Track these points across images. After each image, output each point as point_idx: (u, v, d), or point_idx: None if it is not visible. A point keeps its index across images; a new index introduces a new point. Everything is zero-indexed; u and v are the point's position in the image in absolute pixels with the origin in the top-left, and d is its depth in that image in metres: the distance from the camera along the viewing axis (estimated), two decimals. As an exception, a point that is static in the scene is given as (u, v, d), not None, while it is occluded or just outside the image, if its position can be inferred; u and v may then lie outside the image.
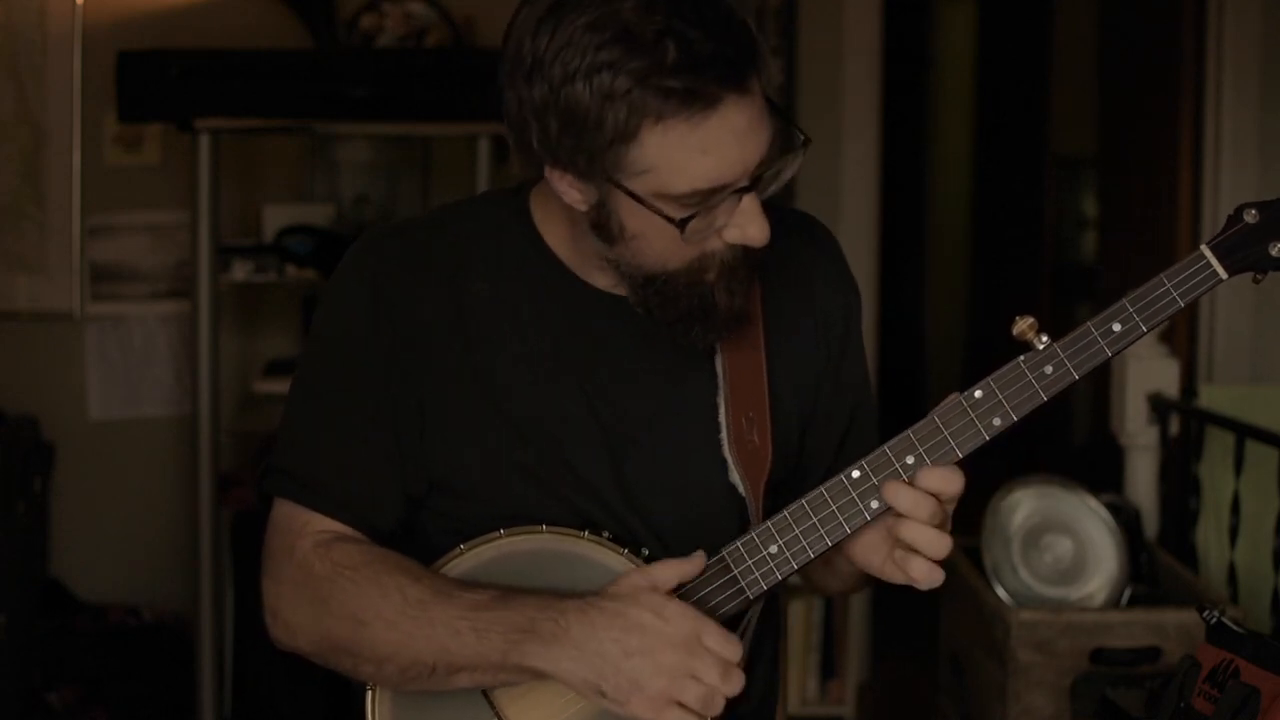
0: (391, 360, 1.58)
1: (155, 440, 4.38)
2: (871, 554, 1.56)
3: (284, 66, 3.85)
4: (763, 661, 1.72)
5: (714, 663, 1.46)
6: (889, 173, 4.77)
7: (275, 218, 4.24)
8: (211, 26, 4.27)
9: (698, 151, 1.44)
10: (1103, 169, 5.77)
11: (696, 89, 1.42)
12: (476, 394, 1.58)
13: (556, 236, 1.61)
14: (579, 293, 1.61)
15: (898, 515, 1.50)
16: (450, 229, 1.64)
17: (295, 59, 3.98)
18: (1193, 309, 4.42)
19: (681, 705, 1.46)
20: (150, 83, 3.71)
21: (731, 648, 1.47)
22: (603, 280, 1.61)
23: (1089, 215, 6.43)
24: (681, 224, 1.47)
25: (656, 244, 1.51)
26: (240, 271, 4.10)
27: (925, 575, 1.50)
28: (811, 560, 1.55)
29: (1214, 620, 1.98)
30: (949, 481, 1.49)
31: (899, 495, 1.49)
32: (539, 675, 1.49)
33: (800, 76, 4.51)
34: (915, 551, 1.50)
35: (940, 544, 1.49)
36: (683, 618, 1.46)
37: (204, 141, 3.78)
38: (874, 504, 1.53)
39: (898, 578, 1.53)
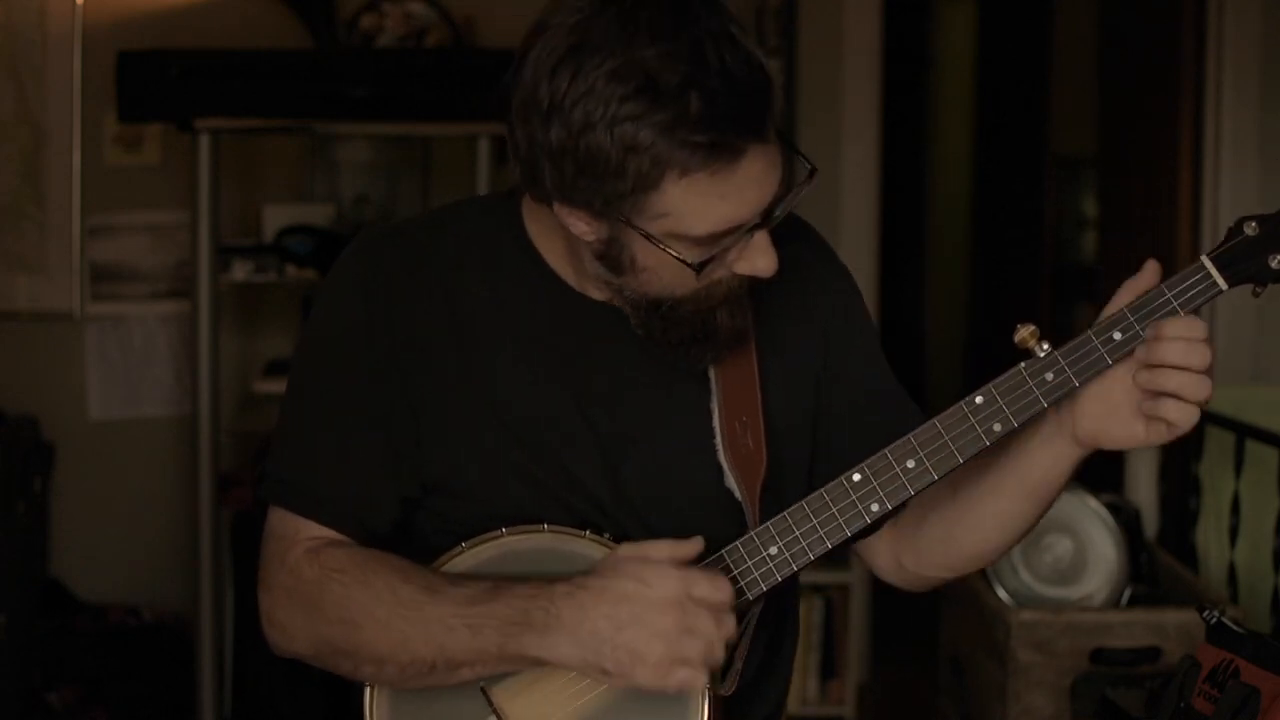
0: (386, 362, 1.58)
1: (155, 440, 4.38)
2: (1110, 424, 1.53)
3: (284, 66, 3.85)
4: (781, 664, 1.72)
5: (706, 613, 1.46)
6: (889, 173, 4.77)
7: (275, 218, 4.24)
8: (211, 26, 4.27)
9: (717, 198, 1.44)
10: (1103, 169, 5.77)
11: (720, 143, 1.41)
12: (472, 396, 1.58)
13: (550, 246, 1.61)
14: (570, 301, 1.61)
15: (1153, 368, 1.48)
16: (445, 231, 1.64)
17: (295, 59, 3.98)
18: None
19: (686, 663, 1.45)
20: (150, 83, 3.71)
21: (720, 590, 1.47)
22: (596, 292, 1.61)
23: (1089, 215, 6.43)
24: (698, 268, 1.48)
25: (666, 276, 1.51)
26: (240, 271, 4.10)
27: (1186, 417, 1.49)
28: (810, 561, 1.54)
29: (1214, 620, 1.98)
30: (1195, 327, 1.49)
31: (1170, 348, 1.47)
32: (540, 663, 1.49)
33: (800, 76, 4.51)
34: (1170, 397, 1.48)
35: (1204, 386, 1.48)
36: (665, 577, 1.46)
37: (204, 141, 3.78)
38: (874, 507, 1.53)
39: (1147, 436, 1.52)
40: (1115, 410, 1.52)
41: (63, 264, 4.32)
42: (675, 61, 1.40)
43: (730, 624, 1.47)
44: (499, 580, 1.51)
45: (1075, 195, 6.58)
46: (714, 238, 1.47)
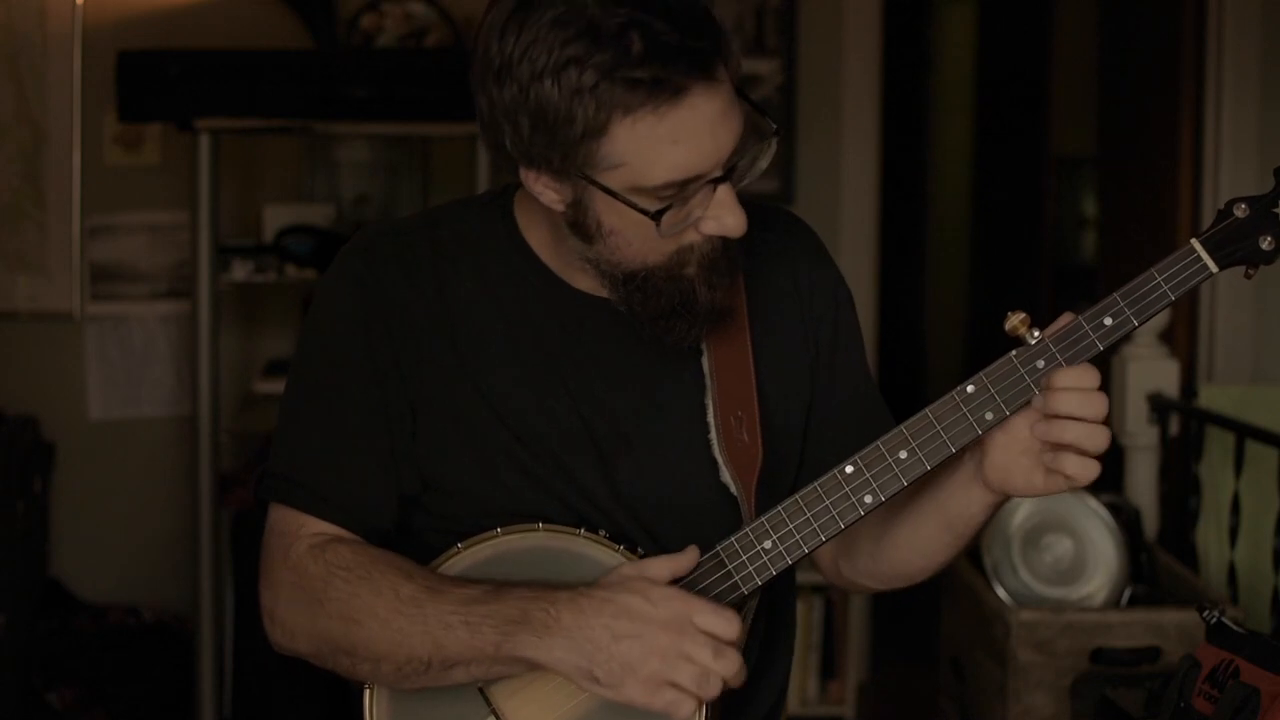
0: (383, 360, 1.58)
1: (155, 440, 4.38)
2: (1012, 474, 1.52)
3: (284, 66, 3.85)
4: (778, 660, 1.72)
5: (706, 642, 1.45)
6: (889, 173, 4.77)
7: (275, 218, 4.24)
8: (211, 26, 4.27)
9: (668, 142, 1.45)
10: (1103, 169, 5.77)
11: (663, 79, 1.42)
12: (468, 393, 1.58)
13: (539, 239, 1.62)
14: (563, 295, 1.61)
15: (1049, 419, 1.48)
16: (439, 229, 1.64)
17: (295, 59, 3.98)
18: (1192, 309, 4.42)
19: (676, 686, 1.45)
20: (150, 83, 3.71)
21: (725, 624, 1.46)
22: (585, 282, 1.61)
23: (1089, 215, 6.43)
24: (656, 216, 1.47)
25: (634, 240, 1.51)
26: (240, 271, 4.10)
27: (1083, 471, 1.49)
28: (805, 555, 1.54)
29: (1214, 620, 1.98)
30: (1087, 376, 1.49)
31: (1062, 399, 1.47)
32: (533, 666, 1.49)
33: (800, 76, 4.51)
34: (1068, 449, 1.48)
35: (1100, 436, 1.48)
36: (672, 600, 1.46)
37: (204, 141, 3.78)
38: (868, 499, 1.53)
39: (1046, 487, 1.51)
40: (1017, 460, 1.52)
41: (63, 264, 4.32)
42: (617, 5, 1.43)
43: (731, 661, 1.46)
44: (501, 583, 1.51)
45: (1075, 195, 6.59)
46: (672, 186, 1.46)
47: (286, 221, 4.19)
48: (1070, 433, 1.48)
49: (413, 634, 1.50)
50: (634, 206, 1.47)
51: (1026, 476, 1.52)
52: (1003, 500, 1.57)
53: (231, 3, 4.33)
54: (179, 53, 3.82)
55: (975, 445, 1.54)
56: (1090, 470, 1.49)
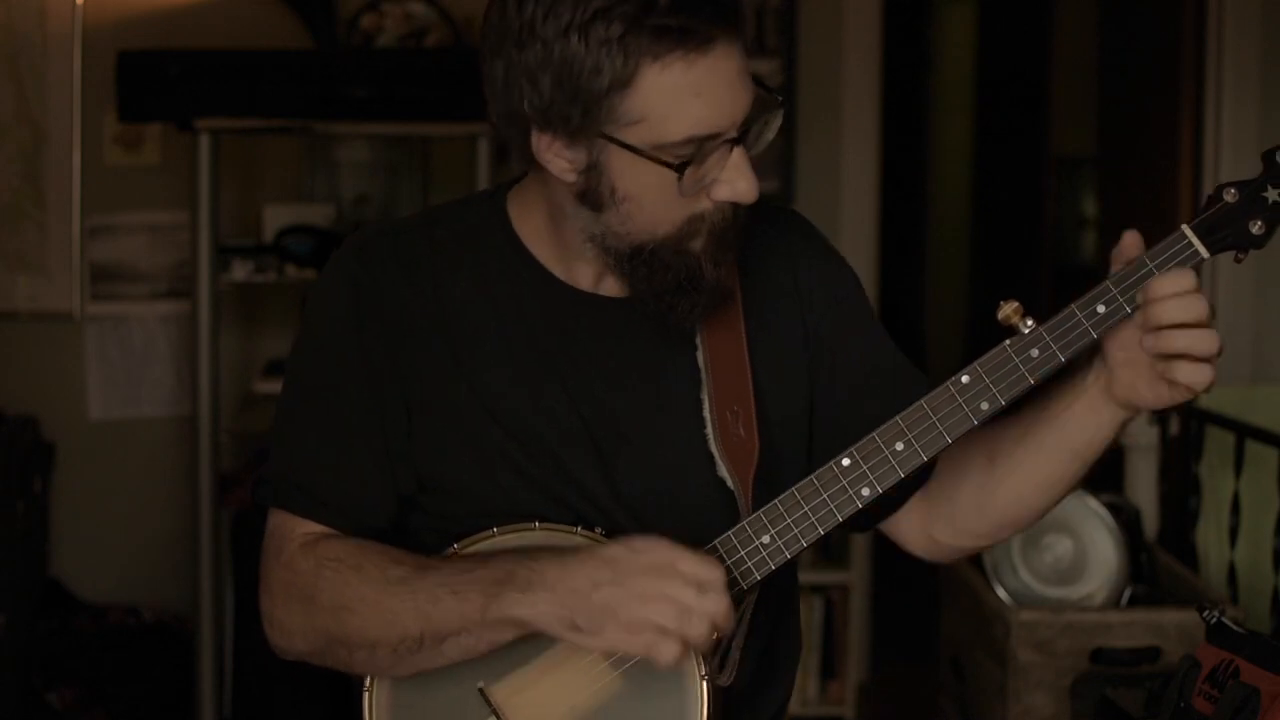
0: (379, 360, 1.58)
1: (155, 440, 4.38)
2: (1139, 387, 1.51)
3: (284, 66, 3.85)
4: (781, 673, 1.71)
5: (688, 582, 1.44)
6: (889, 173, 4.77)
7: (275, 218, 4.24)
8: (211, 26, 4.27)
9: (692, 94, 1.45)
10: (1103, 169, 5.77)
11: (691, 27, 1.44)
12: (464, 393, 1.58)
13: (535, 235, 1.62)
14: (558, 293, 1.61)
15: (1155, 330, 1.47)
16: (434, 229, 1.64)
17: (295, 59, 3.98)
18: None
19: (659, 628, 1.44)
20: (150, 83, 3.71)
21: (709, 569, 1.45)
22: (583, 275, 1.61)
23: (1089, 215, 6.43)
24: (679, 168, 1.47)
25: (648, 205, 1.51)
26: (240, 271, 4.10)
27: (1197, 376, 1.47)
28: (803, 549, 1.54)
29: (1214, 620, 1.98)
30: (1183, 280, 1.47)
31: (1162, 309, 1.46)
32: (521, 626, 1.48)
33: (800, 76, 4.51)
34: (1179, 358, 1.47)
35: (1209, 340, 1.47)
36: (654, 548, 1.46)
37: (204, 141, 3.78)
38: (865, 491, 1.53)
39: (1171, 397, 1.50)
40: (1141, 373, 1.52)
41: (63, 264, 4.32)
42: None
43: (717, 602, 1.44)
44: (490, 553, 1.52)
45: (1075, 195, 6.59)
46: (693, 142, 1.47)
47: (286, 221, 4.19)
48: (1180, 341, 1.47)
49: (402, 612, 1.50)
50: (656, 159, 1.47)
51: (1152, 387, 1.51)
52: (1134, 415, 1.56)
53: (231, 3, 4.33)
54: (179, 53, 3.82)
55: (1096, 367, 1.53)
56: (1205, 375, 1.48)
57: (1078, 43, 6.38)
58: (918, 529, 1.72)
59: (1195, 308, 1.47)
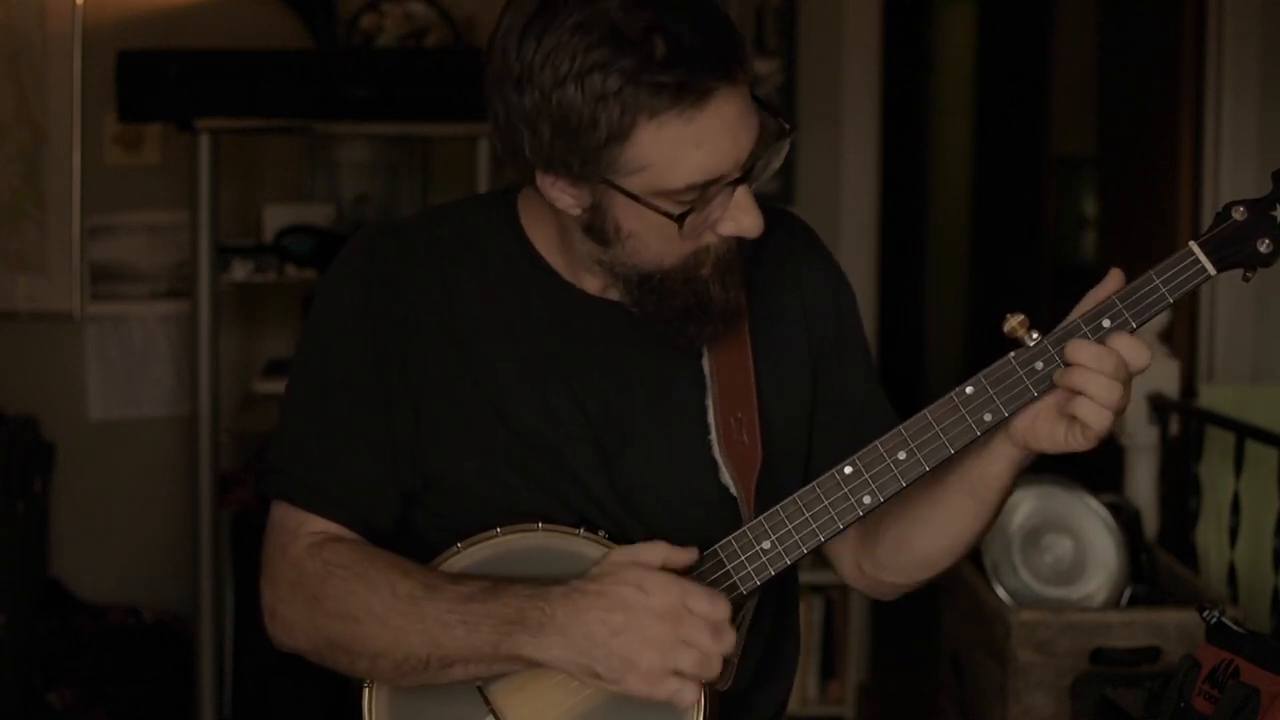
0: (385, 358, 1.58)
1: (155, 440, 4.38)
2: (1037, 424, 1.51)
3: (284, 66, 3.85)
4: (780, 674, 1.71)
5: (702, 625, 1.45)
6: (889, 173, 4.77)
7: (275, 218, 4.24)
8: (211, 26, 4.27)
9: (692, 146, 1.45)
10: (1103, 169, 5.77)
11: (688, 83, 1.43)
12: (470, 392, 1.58)
13: (544, 240, 1.62)
14: (566, 296, 1.61)
15: (1070, 378, 1.47)
16: (442, 227, 1.64)
17: (295, 59, 3.98)
18: (1192, 309, 4.42)
19: (678, 674, 1.45)
20: (150, 83, 3.71)
21: (718, 606, 1.46)
22: (591, 283, 1.61)
23: (1089, 215, 6.43)
24: (680, 219, 1.47)
25: (653, 242, 1.51)
26: (240, 271, 4.10)
27: (1098, 418, 1.47)
28: (804, 555, 1.54)
29: (1214, 620, 1.98)
30: (1138, 353, 1.48)
31: (1082, 350, 1.47)
32: (533, 664, 1.49)
33: (800, 76, 4.51)
34: (1082, 395, 1.47)
35: (1113, 391, 1.46)
36: (665, 587, 1.46)
37: (204, 141, 3.78)
38: (866, 499, 1.53)
39: (1067, 440, 1.50)
40: (1042, 410, 1.52)
41: (63, 264, 4.32)
42: (639, 9, 1.43)
43: (728, 640, 1.47)
44: (498, 580, 1.51)
45: (1075, 195, 6.59)
46: (694, 189, 1.47)
47: (286, 221, 4.19)
48: (1090, 382, 1.47)
49: (410, 632, 1.50)
50: (657, 209, 1.47)
51: (1051, 428, 1.51)
52: (1027, 458, 1.55)
53: (231, 3, 4.33)
54: (179, 53, 3.82)
55: None
56: (1103, 419, 1.47)
57: (1078, 43, 6.38)
58: (851, 560, 1.72)
59: (1113, 362, 1.47)
